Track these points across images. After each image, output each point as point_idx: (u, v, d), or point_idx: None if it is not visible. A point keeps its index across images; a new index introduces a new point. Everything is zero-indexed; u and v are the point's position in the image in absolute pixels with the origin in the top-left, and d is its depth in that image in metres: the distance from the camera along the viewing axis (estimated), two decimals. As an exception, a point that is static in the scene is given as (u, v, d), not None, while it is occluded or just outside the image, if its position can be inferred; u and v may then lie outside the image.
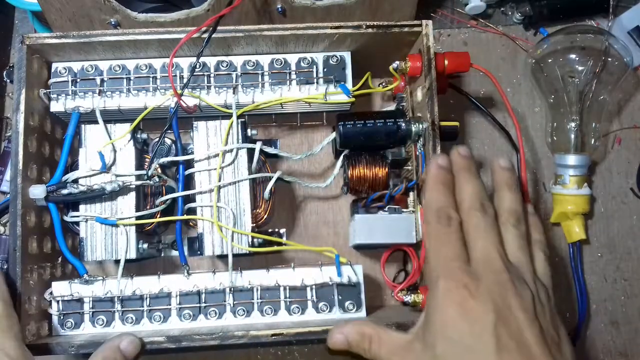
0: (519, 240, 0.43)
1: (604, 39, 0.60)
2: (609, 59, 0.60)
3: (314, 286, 0.52)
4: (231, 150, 0.53)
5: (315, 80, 0.54)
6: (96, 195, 0.51)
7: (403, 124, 0.54)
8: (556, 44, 0.61)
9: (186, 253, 0.55)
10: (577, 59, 0.60)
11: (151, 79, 0.54)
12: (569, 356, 0.41)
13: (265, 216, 0.57)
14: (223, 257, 0.56)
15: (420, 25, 0.52)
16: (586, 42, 0.60)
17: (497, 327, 0.38)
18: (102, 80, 0.54)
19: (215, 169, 0.53)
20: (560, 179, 0.60)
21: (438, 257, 0.42)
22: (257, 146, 0.53)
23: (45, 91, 0.53)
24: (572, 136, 0.60)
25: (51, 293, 0.51)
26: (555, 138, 0.61)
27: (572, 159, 0.59)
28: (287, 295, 0.52)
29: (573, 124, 0.60)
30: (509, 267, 0.41)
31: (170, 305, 0.52)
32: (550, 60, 0.61)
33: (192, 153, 0.54)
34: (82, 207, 0.52)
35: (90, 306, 0.51)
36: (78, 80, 0.54)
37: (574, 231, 0.60)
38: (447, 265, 0.41)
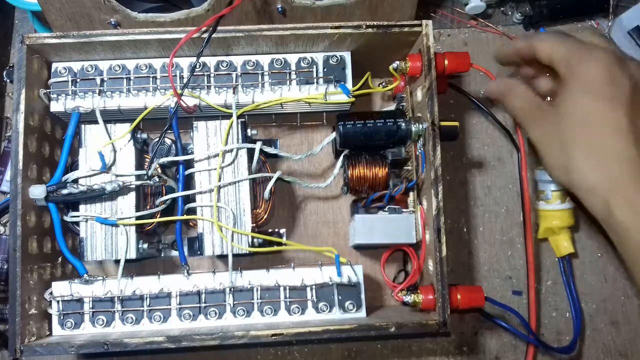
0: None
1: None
2: None
3: (314, 286, 0.52)
4: (231, 150, 0.53)
5: (315, 80, 0.54)
6: (96, 195, 0.51)
7: (403, 124, 0.54)
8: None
9: (186, 253, 0.55)
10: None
11: (151, 79, 0.54)
12: None
13: (265, 216, 0.57)
14: (223, 257, 0.56)
15: (420, 25, 0.52)
16: None
17: (632, 95, 0.44)
18: (102, 80, 0.54)
19: (215, 169, 0.53)
20: (542, 194, 0.59)
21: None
22: (257, 146, 0.53)
23: (45, 91, 0.53)
24: None
25: (51, 293, 0.51)
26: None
27: None
28: (287, 295, 0.52)
29: None
30: None
31: (170, 305, 0.52)
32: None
33: (192, 153, 0.54)
34: (82, 207, 0.52)
35: (90, 306, 0.51)
36: (78, 80, 0.54)
37: (562, 245, 0.59)
38: (596, 47, 0.47)
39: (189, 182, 0.54)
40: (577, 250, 0.62)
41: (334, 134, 0.56)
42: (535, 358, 0.60)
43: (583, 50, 0.46)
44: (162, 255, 0.59)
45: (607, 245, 0.62)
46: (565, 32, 0.51)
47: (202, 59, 0.53)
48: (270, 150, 0.55)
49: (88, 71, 0.54)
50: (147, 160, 0.55)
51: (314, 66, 0.55)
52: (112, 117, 0.55)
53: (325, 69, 0.55)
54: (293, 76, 0.55)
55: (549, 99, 0.52)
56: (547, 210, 0.59)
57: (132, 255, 0.52)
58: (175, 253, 0.59)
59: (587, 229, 0.63)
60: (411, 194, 0.55)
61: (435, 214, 0.50)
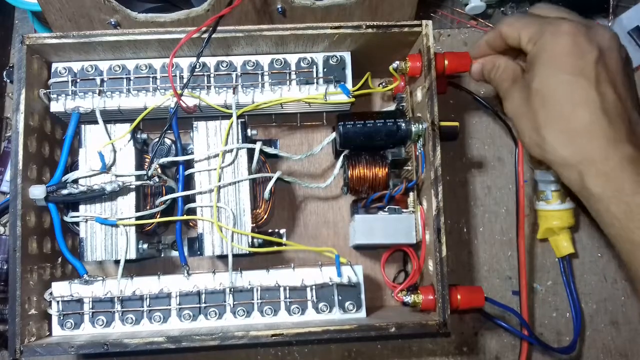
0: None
1: None
2: None
3: (314, 286, 0.52)
4: (231, 151, 0.53)
5: (315, 80, 0.54)
6: (96, 196, 0.51)
7: (403, 124, 0.54)
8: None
9: (186, 253, 0.55)
10: None
11: (151, 79, 0.54)
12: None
13: (265, 216, 0.57)
14: (223, 258, 0.56)
15: (420, 25, 0.52)
16: None
17: (597, 64, 0.45)
18: (102, 81, 0.54)
19: (215, 169, 0.53)
20: (542, 194, 0.59)
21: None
22: (257, 146, 0.53)
23: (45, 91, 0.53)
24: None
25: (51, 293, 0.51)
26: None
27: (553, 174, 0.58)
28: (287, 296, 0.52)
29: None
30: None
31: (170, 305, 0.52)
32: None
33: (192, 153, 0.54)
34: (82, 207, 0.52)
35: (90, 306, 0.51)
36: (78, 80, 0.54)
37: (562, 246, 0.59)
38: (564, 19, 0.47)
39: (189, 182, 0.54)
40: (577, 250, 0.62)
41: (334, 134, 0.56)
42: (530, 356, 0.60)
43: (547, 26, 0.47)
44: (162, 255, 0.59)
45: (607, 245, 0.62)
46: (528, 13, 0.52)
47: (202, 59, 0.53)
48: (270, 150, 0.55)
49: (88, 71, 0.54)
50: (147, 160, 0.55)
51: (314, 66, 0.55)
52: (112, 117, 0.55)
53: (325, 69, 0.55)
54: (293, 76, 0.55)
55: None
56: (547, 211, 0.59)
57: (132, 255, 0.52)
58: (175, 253, 0.59)
59: (587, 229, 0.63)
60: (411, 194, 0.55)
61: (435, 214, 0.50)
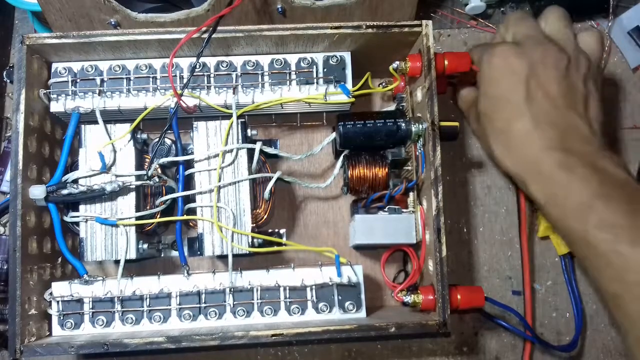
0: (560, 21, 0.51)
1: None
2: None
3: (313, 286, 0.52)
4: (231, 151, 0.53)
5: (315, 80, 0.54)
6: (96, 196, 0.51)
7: (403, 124, 0.54)
8: None
9: (186, 253, 0.55)
10: None
11: (151, 79, 0.54)
12: (595, 110, 0.49)
13: (265, 216, 0.57)
14: (223, 258, 0.56)
15: (420, 25, 0.52)
16: None
17: (528, 79, 0.48)
18: (102, 81, 0.54)
19: (215, 169, 0.53)
20: None
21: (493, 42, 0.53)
22: (257, 146, 0.53)
23: (45, 91, 0.53)
24: None
25: (51, 293, 0.51)
26: None
27: None
28: (287, 296, 0.52)
29: None
30: (549, 39, 0.50)
31: (170, 305, 0.52)
32: None
33: (192, 153, 0.54)
34: (82, 207, 0.52)
35: (90, 306, 0.51)
36: (78, 80, 0.54)
37: (564, 243, 0.59)
38: (499, 43, 0.52)
39: (189, 182, 0.54)
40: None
41: (334, 134, 0.56)
42: (532, 355, 0.60)
43: (485, 52, 0.51)
44: (162, 255, 0.59)
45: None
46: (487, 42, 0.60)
47: (202, 59, 0.53)
48: (270, 150, 0.55)
49: (88, 71, 0.54)
50: (147, 160, 0.55)
51: (314, 66, 0.55)
52: (112, 117, 0.55)
53: (325, 69, 0.55)
54: (293, 76, 0.55)
55: None
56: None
57: (132, 255, 0.52)
58: (175, 253, 0.59)
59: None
60: (411, 194, 0.55)
61: (435, 214, 0.50)
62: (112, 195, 0.52)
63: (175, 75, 0.54)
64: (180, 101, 0.51)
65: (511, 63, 0.49)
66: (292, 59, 0.55)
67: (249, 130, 0.55)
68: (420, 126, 0.52)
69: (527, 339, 0.58)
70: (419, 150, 0.52)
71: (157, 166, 0.54)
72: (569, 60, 0.49)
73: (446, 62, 0.53)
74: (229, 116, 0.54)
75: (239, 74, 0.54)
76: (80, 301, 0.51)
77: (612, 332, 0.61)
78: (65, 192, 0.50)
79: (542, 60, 0.48)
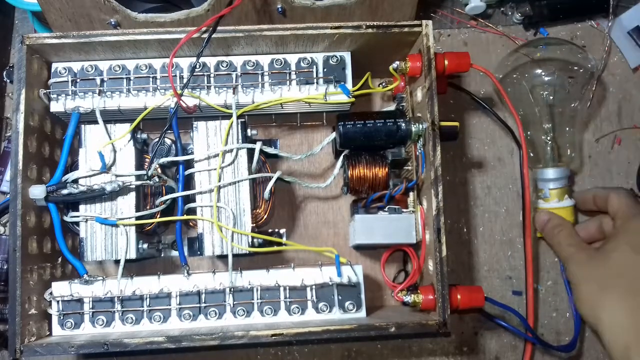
0: None
1: (564, 50, 0.60)
2: (574, 68, 0.59)
3: (314, 286, 0.52)
4: (231, 150, 0.53)
5: (315, 80, 0.54)
6: (96, 195, 0.51)
7: (403, 124, 0.54)
8: (517, 60, 0.61)
9: (186, 253, 0.55)
10: (542, 72, 0.59)
11: (151, 79, 0.54)
12: None
13: (265, 216, 0.57)
14: (223, 257, 0.56)
15: (420, 25, 0.52)
16: (547, 54, 0.60)
17: None
18: (102, 80, 0.54)
19: (215, 169, 0.53)
20: (541, 193, 0.60)
21: None
22: (257, 146, 0.53)
23: (45, 91, 0.53)
24: (548, 149, 0.60)
25: (51, 293, 0.51)
26: (531, 154, 0.61)
27: (550, 173, 0.59)
28: (287, 296, 0.52)
29: (547, 137, 0.60)
30: None
31: (170, 305, 0.52)
32: (515, 76, 0.61)
33: (192, 153, 0.54)
34: (82, 207, 0.52)
35: (90, 306, 0.51)
36: (78, 80, 0.54)
37: None
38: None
39: (189, 182, 0.54)
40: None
41: (334, 134, 0.56)
42: (533, 356, 0.60)
43: (638, 210, 0.53)
44: (162, 255, 0.59)
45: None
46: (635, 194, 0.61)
47: (202, 59, 0.53)
48: (270, 150, 0.55)
49: (88, 71, 0.54)
50: (147, 160, 0.55)
51: (314, 66, 0.55)
52: (112, 117, 0.55)
53: (325, 69, 0.55)
54: (293, 76, 0.55)
55: (596, 244, 0.58)
56: (546, 209, 0.59)
57: (132, 255, 0.52)
58: (175, 253, 0.59)
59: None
60: (411, 194, 0.55)
61: (435, 214, 0.50)
62: (112, 195, 0.52)
63: (175, 75, 0.54)
64: (180, 101, 0.51)
65: None
66: (292, 59, 0.55)
67: (249, 130, 0.55)
68: (420, 126, 0.52)
69: (527, 340, 0.58)
70: (419, 150, 0.52)
71: (157, 166, 0.54)
72: None
73: (446, 62, 0.53)
74: (229, 116, 0.54)
75: (239, 74, 0.54)
76: (80, 301, 0.51)
77: (612, 332, 0.61)
78: (65, 192, 0.50)
79: None
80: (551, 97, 0.60)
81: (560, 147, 0.60)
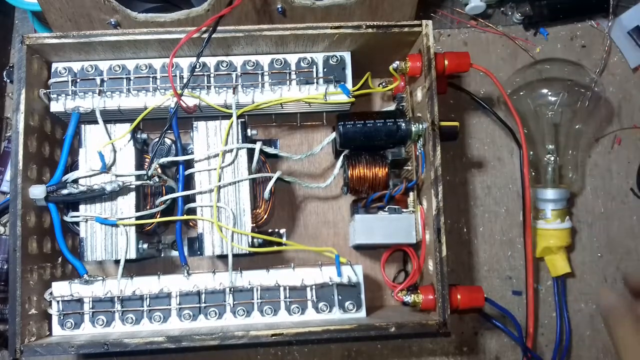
0: None
1: (571, 69, 0.60)
2: (581, 90, 0.59)
3: (314, 286, 0.52)
4: (231, 150, 0.53)
5: (315, 80, 0.54)
6: (96, 195, 0.51)
7: (403, 124, 0.54)
8: (525, 78, 0.61)
9: (186, 253, 0.55)
10: (548, 92, 0.59)
11: (151, 79, 0.54)
12: None
13: (265, 216, 0.57)
14: (223, 257, 0.56)
15: (420, 25, 0.52)
16: (552, 73, 0.60)
17: None
18: (102, 80, 0.54)
19: (215, 169, 0.53)
20: (542, 213, 0.60)
21: None
22: (257, 146, 0.53)
23: (45, 91, 0.53)
24: (549, 169, 0.60)
25: (51, 293, 0.51)
26: (532, 173, 0.61)
27: (551, 193, 0.59)
28: (287, 296, 0.52)
29: (550, 157, 0.60)
30: None
31: (170, 305, 0.52)
32: (522, 93, 0.61)
33: (192, 153, 0.54)
34: (82, 207, 0.52)
35: (90, 306, 0.51)
36: (78, 80, 0.54)
37: (559, 265, 0.60)
38: None
39: (189, 182, 0.54)
40: (575, 255, 0.62)
41: (334, 134, 0.56)
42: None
43: None
44: (162, 255, 0.59)
45: (607, 245, 0.62)
46: None
47: (202, 59, 0.53)
48: (270, 150, 0.55)
49: (88, 71, 0.54)
50: (147, 160, 0.55)
51: (314, 66, 0.55)
52: (112, 117, 0.55)
53: (325, 69, 0.55)
54: (293, 76, 0.55)
55: None
56: (546, 230, 0.59)
57: (132, 255, 0.52)
58: (175, 253, 0.59)
59: (587, 229, 0.63)
60: (411, 194, 0.55)
61: (435, 214, 0.50)
62: (112, 195, 0.52)
63: (175, 75, 0.54)
64: (180, 101, 0.51)
65: None
66: (292, 58, 0.55)
67: (249, 130, 0.55)
68: (420, 126, 0.52)
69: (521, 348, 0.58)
70: (419, 150, 0.52)
71: (157, 166, 0.54)
72: None
73: (446, 62, 0.53)
74: (229, 116, 0.54)
75: (239, 74, 0.54)
76: (80, 301, 0.51)
77: (612, 332, 0.61)
78: (65, 192, 0.50)
79: None
80: (557, 118, 0.60)
81: (563, 167, 0.61)
